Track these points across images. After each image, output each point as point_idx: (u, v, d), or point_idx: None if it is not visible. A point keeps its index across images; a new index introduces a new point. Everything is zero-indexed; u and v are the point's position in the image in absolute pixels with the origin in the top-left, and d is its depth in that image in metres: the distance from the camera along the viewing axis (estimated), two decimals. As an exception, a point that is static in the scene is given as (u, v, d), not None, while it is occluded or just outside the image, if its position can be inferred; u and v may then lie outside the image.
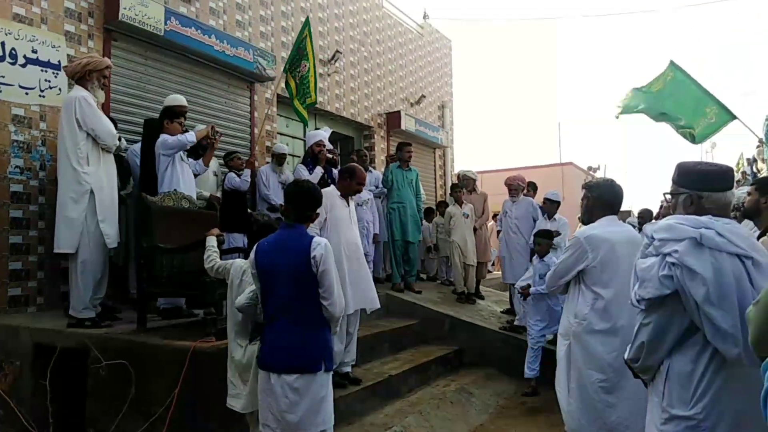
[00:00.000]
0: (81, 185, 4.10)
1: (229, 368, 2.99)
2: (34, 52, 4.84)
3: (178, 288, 3.97)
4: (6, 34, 4.64)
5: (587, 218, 2.94)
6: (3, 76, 4.62)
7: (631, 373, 2.05)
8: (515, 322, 6.07)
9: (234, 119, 6.91)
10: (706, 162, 1.97)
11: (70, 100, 4.15)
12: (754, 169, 11.78)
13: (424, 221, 7.97)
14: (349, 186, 4.21)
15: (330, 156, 6.25)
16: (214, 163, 5.81)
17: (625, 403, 2.58)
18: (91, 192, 4.11)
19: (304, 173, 5.72)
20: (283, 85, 6.44)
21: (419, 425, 4.10)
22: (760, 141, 12.23)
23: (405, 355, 5.43)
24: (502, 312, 7.04)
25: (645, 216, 6.94)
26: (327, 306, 2.55)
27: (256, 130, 7.08)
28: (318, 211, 2.84)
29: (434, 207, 9.01)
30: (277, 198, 6.36)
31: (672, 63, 6.12)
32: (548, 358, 3.92)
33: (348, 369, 4.28)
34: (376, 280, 6.49)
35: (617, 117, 6.61)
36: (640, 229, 6.27)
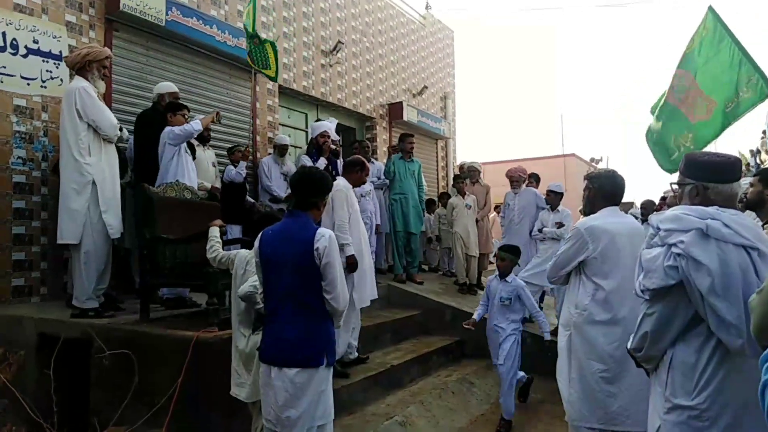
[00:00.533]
0: (83, 176, 4.10)
1: (233, 357, 3.00)
2: (35, 42, 4.82)
3: (181, 279, 3.98)
4: (7, 24, 4.62)
5: (589, 209, 2.93)
6: (4, 67, 4.61)
7: (633, 363, 2.05)
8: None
9: (235, 110, 6.89)
10: (714, 153, 1.95)
11: (71, 91, 4.15)
12: (758, 161, 11.75)
13: (425, 212, 7.96)
14: (360, 178, 4.34)
15: (333, 147, 6.25)
16: (212, 154, 5.80)
17: (626, 392, 2.58)
18: (93, 183, 4.12)
19: (307, 164, 5.72)
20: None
21: (421, 415, 4.12)
22: (764, 132, 12.20)
23: (407, 345, 5.45)
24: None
25: (647, 207, 6.92)
26: (329, 300, 2.46)
27: (258, 121, 7.06)
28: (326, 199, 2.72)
29: (436, 198, 8.99)
30: (279, 189, 6.36)
31: (710, 9, 4.46)
32: (549, 349, 3.93)
33: (354, 355, 4.40)
34: (378, 271, 6.52)
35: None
36: (643, 221, 6.27)
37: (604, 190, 2.86)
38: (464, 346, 5.90)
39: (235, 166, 6.03)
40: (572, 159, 21.56)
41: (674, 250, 1.72)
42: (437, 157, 11.77)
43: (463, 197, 7.26)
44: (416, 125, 10.27)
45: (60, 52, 4.95)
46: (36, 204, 4.84)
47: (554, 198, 6.04)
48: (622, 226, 2.75)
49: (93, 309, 4.09)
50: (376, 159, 8.41)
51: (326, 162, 5.90)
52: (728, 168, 1.89)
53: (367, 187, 6.28)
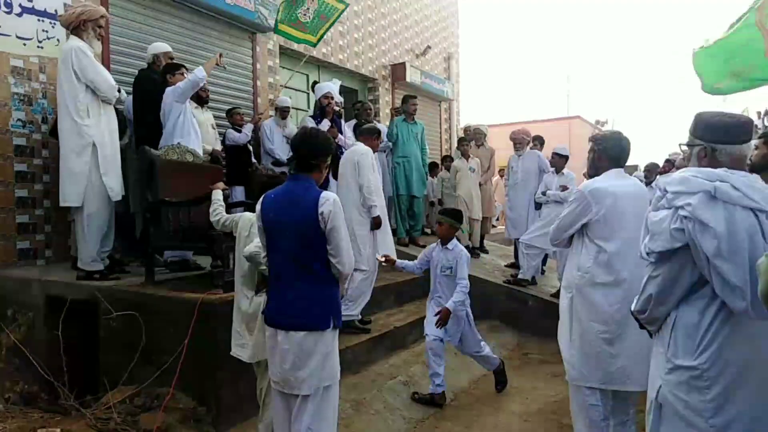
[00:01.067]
0: (82, 138, 4.06)
1: (235, 318, 3.03)
2: (30, 0, 4.70)
3: (184, 241, 3.99)
4: (-1, -18, 4.50)
5: (593, 172, 2.89)
6: (-1, 26, 4.51)
7: (634, 324, 2.06)
8: (519, 276, 6.13)
9: (236, 71, 6.77)
10: (725, 113, 1.89)
11: (67, 52, 4.06)
12: (765, 123, 11.56)
13: (428, 176, 7.92)
14: (377, 145, 4.58)
15: (337, 109, 6.17)
16: (211, 116, 5.71)
17: (626, 353, 2.61)
18: (93, 145, 4.08)
19: (309, 125, 5.66)
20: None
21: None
22: (773, 93, 11.95)
23: (410, 307, 5.51)
24: (506, 266, 7.09)
25: (651, 170, 6.87)
26: (335, 263, 2.44)
27: (258, 83, 6.95)
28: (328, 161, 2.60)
29: (439, 161, 8.94)
30: (281, 152, 6.31)
31: None
32: (551, 310, 3.97)
33: (358, 316, 4.48)
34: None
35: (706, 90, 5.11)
36: (646, 183, 6.23)
37: (609, 152, 2.82)
38: (466, 308, 5.97)
39: (236, 129, 5.96)
40: (577, 121, 21.33)
41: (681, 212, 1.71)
42: (440, 119, 11.63)
43: (467, 160, 7.21)
44: (419, 87, 10.11)
45: (55, 11, 4.83)
46: (37, 167, 4.82)
47: (559, 161, 5.98)
48: (626, 189, 2.73)
49: (98, 271, 4.13)
50: (379, 121, 8.32)
51: (330, 123, 5.83)
52: (740, 129, 1.85)
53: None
